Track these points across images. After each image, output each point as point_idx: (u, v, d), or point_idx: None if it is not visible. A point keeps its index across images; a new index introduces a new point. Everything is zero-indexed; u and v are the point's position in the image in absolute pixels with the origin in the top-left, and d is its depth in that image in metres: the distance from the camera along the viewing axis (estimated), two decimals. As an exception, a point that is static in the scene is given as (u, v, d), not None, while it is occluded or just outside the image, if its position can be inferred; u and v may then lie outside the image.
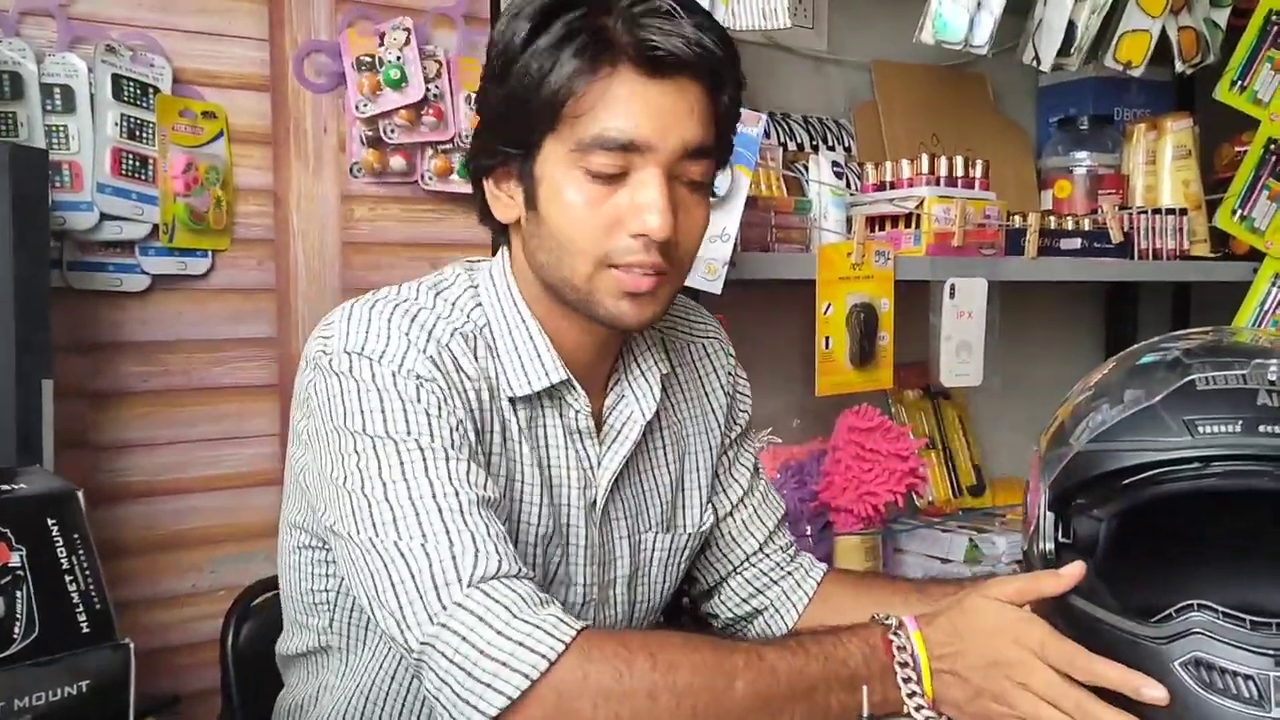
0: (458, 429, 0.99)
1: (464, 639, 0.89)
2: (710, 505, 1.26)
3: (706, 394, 1.27)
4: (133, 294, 1.55)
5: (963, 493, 2.32)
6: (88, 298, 1.52)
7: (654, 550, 1.20)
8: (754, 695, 0.91)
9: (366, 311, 1.02)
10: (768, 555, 1.29)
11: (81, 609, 0.91)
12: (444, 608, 0.90)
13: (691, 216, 1.03)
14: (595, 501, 1.13)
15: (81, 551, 0.92)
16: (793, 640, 0.97)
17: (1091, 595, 0.93)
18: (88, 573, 0.91)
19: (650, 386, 1.16)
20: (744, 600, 1.29)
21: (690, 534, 1.23)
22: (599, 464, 1.13)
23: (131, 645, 0.92)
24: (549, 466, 1.10)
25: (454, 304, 1.07)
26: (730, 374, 1.30)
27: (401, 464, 0.95)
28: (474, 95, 1.09)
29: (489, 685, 0.88)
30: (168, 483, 1.60)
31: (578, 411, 1.11)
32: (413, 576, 0.91)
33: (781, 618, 1.28)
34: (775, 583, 1.29)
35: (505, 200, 1.07)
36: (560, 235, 1.01)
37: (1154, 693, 0.85)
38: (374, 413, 0.97)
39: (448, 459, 0.96)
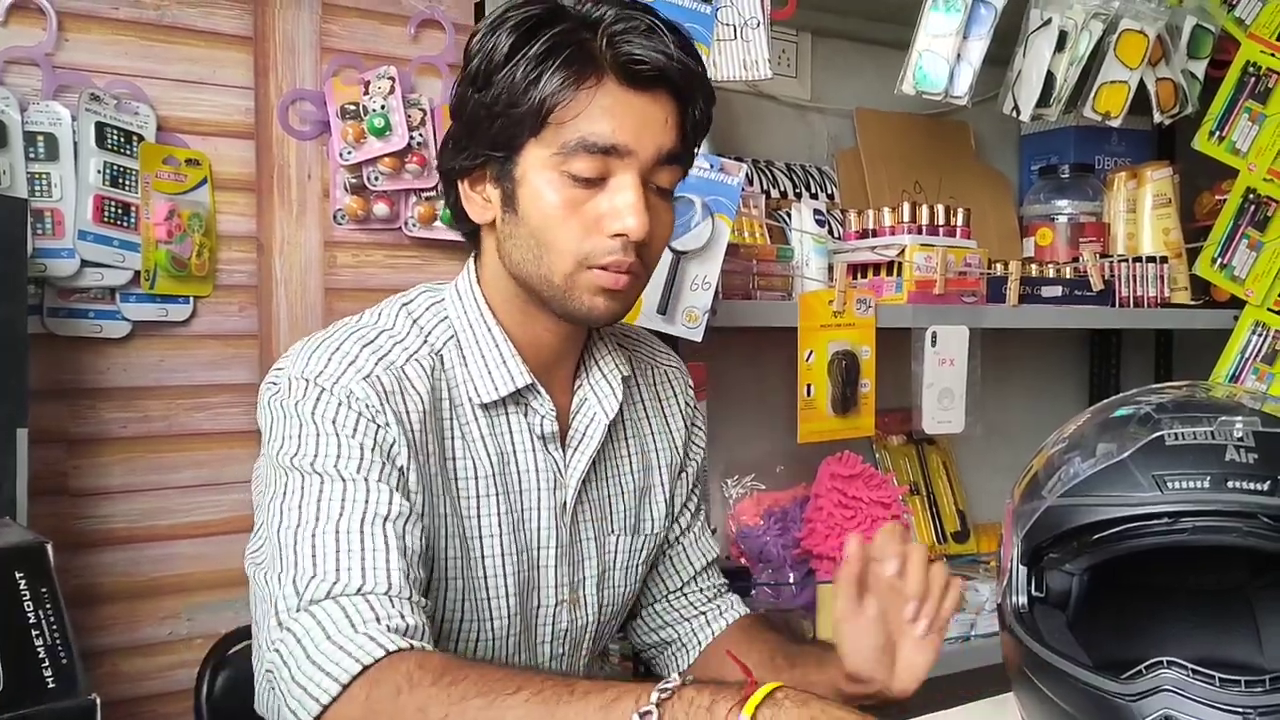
0: (373, 452, 1.00)
1: (284, 663, 0.90)
2: (669, 514, 1.30)
3: (667, 416, 1.30)
4: (114, 340, 1.56)
5: (947, 539, 2.31)
6: (68, 344, 1.52)
7: (617, 552, 1.23)
8: (538, 704, 0.84)
9: (318, 339, 1.06)
10: (686, 594, 1.33)
11: (47, 663, 0.89)
12: (280, 629, 0.92)
13: (661, 220, 1.08)
14: (566, 503, 1.16)
15: (49, 605, 0.91)
16: (585, 679, 0.96)
17: (1063, 650, 0.93)
18: (54, 627, 0.90)
19: (613, 387, 1.20)
20: (654, 630, 1.34)
21: (647, 535, 1.26)
22: (567, 466, 1.16)
23: (98, 700, 0.90)
24: (517, 471, 1.13)
25: (417, 322, 1.11)
26: (690, 405, 1.34)
27: (297, 488, 0.97)
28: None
29: (295, 709, 0.88)
30: (147, 529, 1.60)
31: (543, 417, 1.14)
32: (264, 600, 0.95)
33: (687, 653, 1.32)
34: (685, 619, 1.33)
35: (480, 201, 1.11)
36: (541, 235, 1.05)
37: None
38: (290, 439, 1.00)
39: (345, 484, 0.97)
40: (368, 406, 1.01)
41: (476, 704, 0.84)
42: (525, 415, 1.14)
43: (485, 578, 1.10)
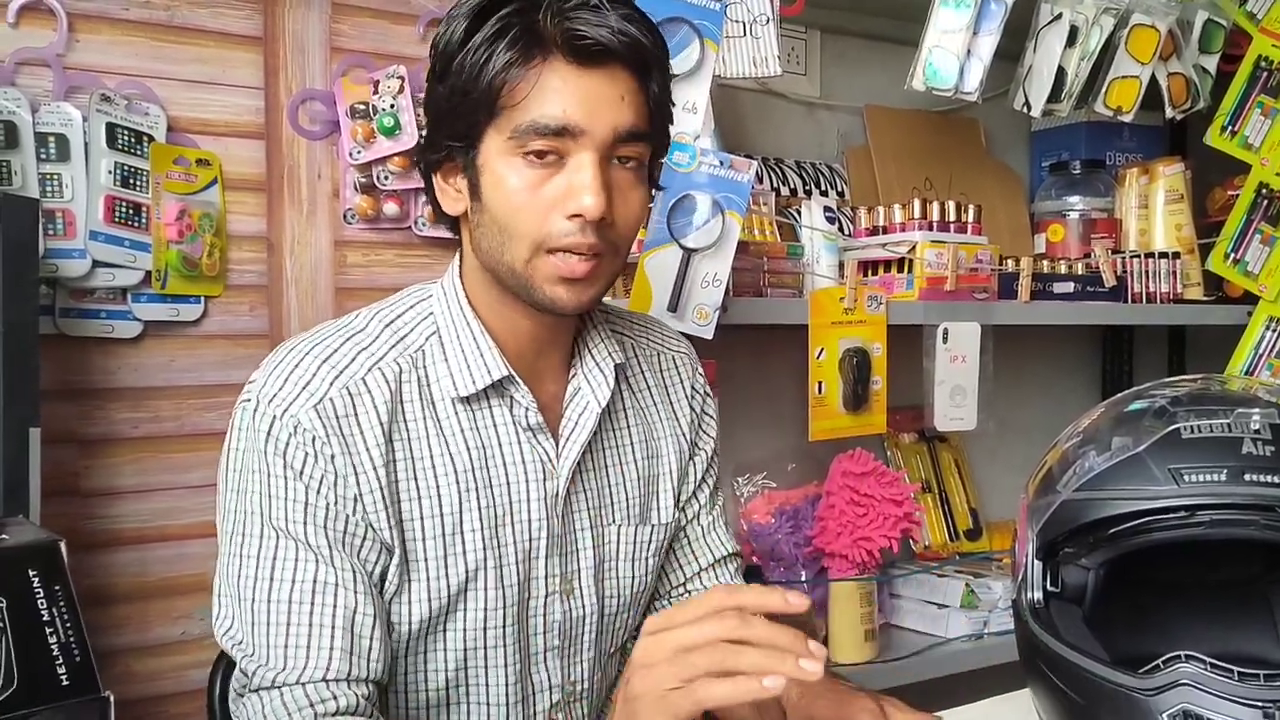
0: (326, 493, 1.04)
1: None
2: (678, 504, 1.28)
3: (673, 402, 1.29)
4: (125, 340, 1.56)
5: (959, 537, 2.31)
6: (80, 344, 1.53)
7: (619, 543, 1.21)
8: None
9: (287, 348, 1.08)
10: (689, 591, 1.30)
11: (61, 661, 0.90)
12: (238, 695, 1.04)
13: (628, 199, 1.07)
14: (558, 493, 1.15)
15: (63, 603, 0.91)
16: None
17: (1080, 645, 0.92)
18: (68, 625, 0.91)
19: (605, 376, 1.19)
20: None
21: (655, 525, 1.24)
22: (558, 456, 1.15)
23: (111, 698, 0.90)
24: (501, 464, 1.13)
25: (391, 326, 1.12)
26: (699, 391, 1.33)
27: (250, 540, 1.04)
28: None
29: None
30: (159, 529, 1.60)
31: (525, 409, 1.13)
32: (238, 648, 1.03)
33: None
34: None
35: (452, 193, 1.11)
36: (502, 220, 1.05)
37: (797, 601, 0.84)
38: (251, 474, 1.05)
39: (296, 544, 1.02)
40: (314, 440, 1.03)
41: None
42: (510, 408, 1.13)
43: (468, 570, 1.10)
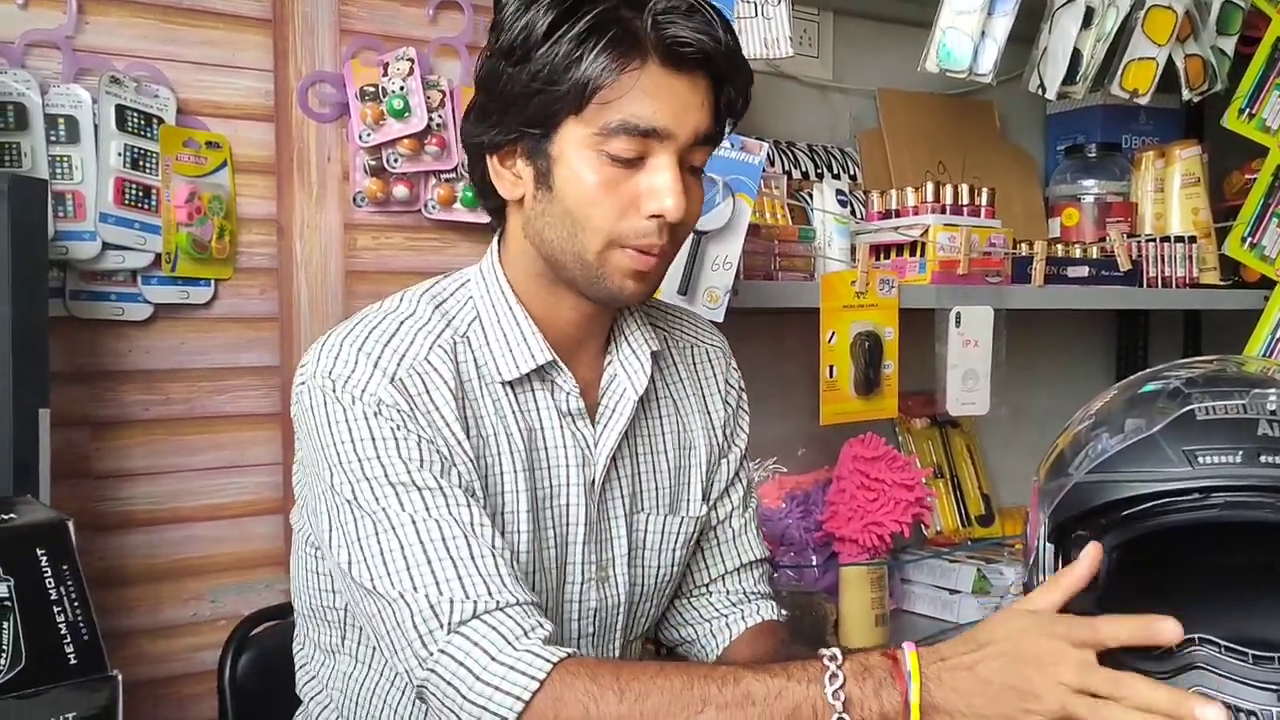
0: (425, 448, 1.03)
1: (449, 683, 0.96)
2: (705, 499, 1.27)
3: (706, 396, 1.29)
4: (135, 323, 1.56)
5: (971, 522, 2.30)
6: (90, 327, 1.53)
7: (647, 531, 1.22)
8: None
9: (339, 342, 1.07)
10: (711, 593, 1.30)
11: (69, 640, 0.90)
12: (430, 654, 0.97)
13: (694, 198, 1.09)
14: (594, 480, 1.16)
15: (70, 582, 0.92)
16: (779, 663, 0.96)
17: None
18: (76, 604, 0.91)
19: (642, 363, 1.19)
20: (674, 626, 1.31)
21: (684, 517, 1.24)
22: (596, 442, 1.16)
23: (119, 677, 0.91)
24: (544, 447, 1.13)
25: (440, 308, 1.12)
26: (734, 387, 1.33)
27: (382, 508, 1.00)
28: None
29: None
30: (169, 511, 1.60)
31: (568, 394, 1.14)
32: (400, 624, 0.98)
33: (705, 655, 1.28)
34: (705, 620, 1.29)
35: (510, 178, 1.10)
36: (576, 213, 1.05)
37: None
38: (345, 444, 1.02)
39: (422, 493, 1.01)
40: (398, 412, 1.03)
41: None
42: (551, 393, 1.14)
43: (514, 552, 1.09)
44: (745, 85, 1.10)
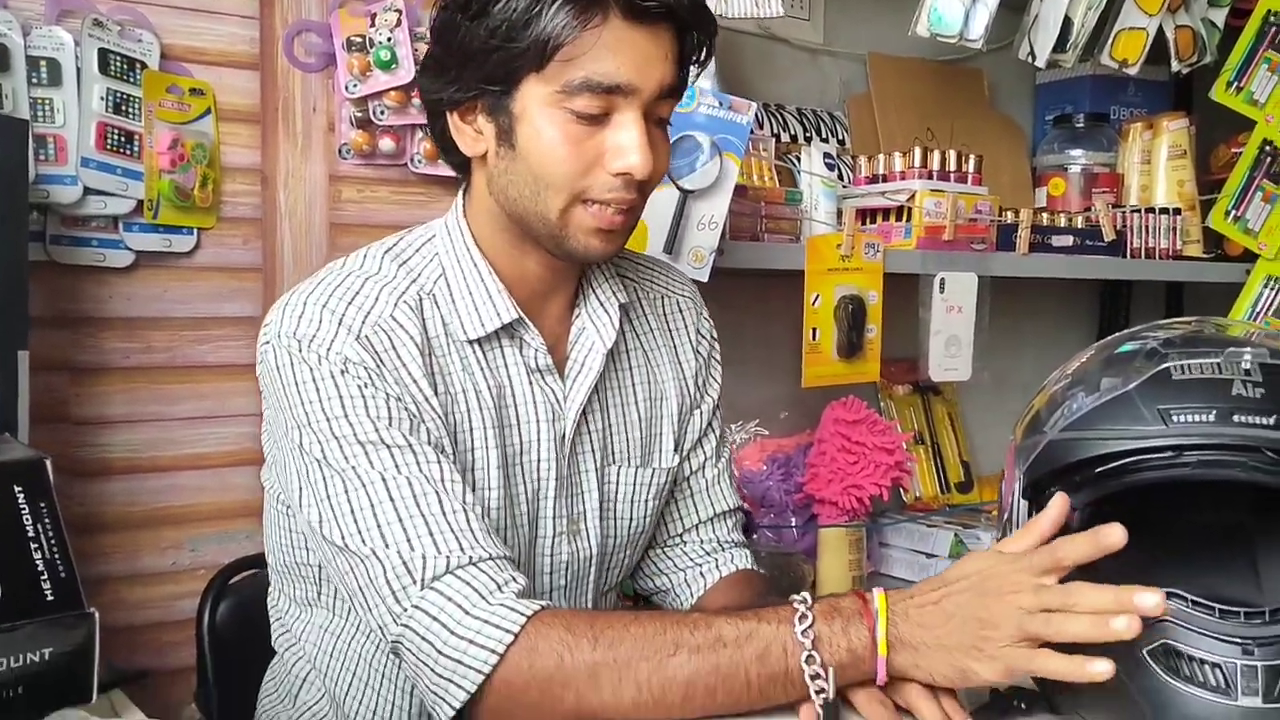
0: (393, 406, 1.02)
1: (423, 639, 0.96)
2: (678, 450, 1.28)
3: (676, 346, 1.29)
4: (117, 269, 1.55)
5: (951, 489, 2.31)
6: (71, 272, 1.52)
7: (619, 484, 1.22)
8: (700, 662, 0.92)
9: (302, 300, 1.06)
10: (686, 542, 1.31)
11: (46, 577, 0.90)
12: (404, 610, 0.96)
13: (659, 153, 1.08)
14: (565, 435, 1.16)
15: (48, 520, 0.91)
16: (752, 608, 0.97)
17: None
18: (53, 541, 0.91)
19: (610, 316, 1.19)
20: (649, 576, 1.32)
21: (656, 469, 1.25)
22: (565, 397, 1.16)
23: (96, 615, 0.91)
24: (514, 404, 1.13)
25: (405, 265, 1.11)
26: (705, 337, 1.32)
27: (351, 466, 1.00)
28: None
29: (450, 680, 0.94)
30: (149, 460, 1.60)
31: (535, 350, 1.14)
32: (372, 581, 0.98)
33: (679, 603, 1.30)
34: (680, 569, 1.31)
35: (471, 134, 1.09)
36: (539, 171, 1.04)
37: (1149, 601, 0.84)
38: (313, 404, 1.02)
39: (391, 450, 1.00)
40: (365, 370, 1.02)
41: (644, 668, 0.92)
42: (519, 349, 1.14)
43: (485, 508, 1.10)
44: (710, 33, 1.09)
